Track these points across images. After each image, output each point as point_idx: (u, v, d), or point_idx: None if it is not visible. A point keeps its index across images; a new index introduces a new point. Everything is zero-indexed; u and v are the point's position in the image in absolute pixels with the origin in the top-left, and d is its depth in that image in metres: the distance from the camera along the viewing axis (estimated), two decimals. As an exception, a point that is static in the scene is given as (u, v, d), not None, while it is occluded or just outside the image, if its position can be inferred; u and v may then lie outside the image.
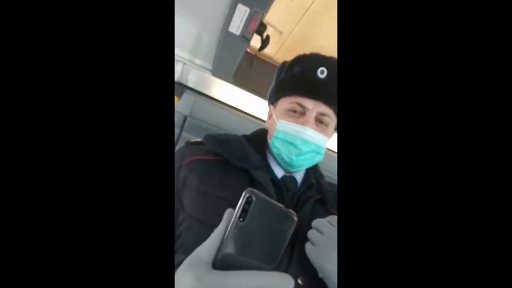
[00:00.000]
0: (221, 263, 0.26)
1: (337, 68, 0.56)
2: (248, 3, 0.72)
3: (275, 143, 0.57)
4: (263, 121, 1.19)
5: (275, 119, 0.59)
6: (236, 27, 0.78)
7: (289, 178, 0.58)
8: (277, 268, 0.28)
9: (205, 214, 0.46)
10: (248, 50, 1.07)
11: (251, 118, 1.21)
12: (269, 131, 0.62)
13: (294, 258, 0.45)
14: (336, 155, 1.34)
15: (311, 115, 0.55)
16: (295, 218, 0.29)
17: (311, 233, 0.45)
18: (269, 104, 0.66)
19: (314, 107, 0.55)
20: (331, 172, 1.45)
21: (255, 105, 1.17)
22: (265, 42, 0.94)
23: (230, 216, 0.27)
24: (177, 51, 1.03)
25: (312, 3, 0.85)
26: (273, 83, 0.63)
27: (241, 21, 0.77)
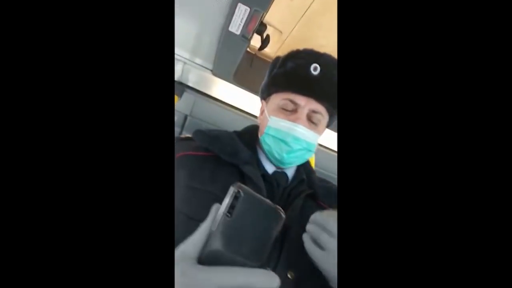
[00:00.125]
0: (206, 259, 0.26)
1: (332, 65, 0.56)
2: (248, 2, 0.72)
3: (266, 140, 0.57)
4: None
5: (267, 115, 0.58)
6: (236, 26, 0.79)
7: (280, 174, 0.57)
8: (263, 265, 0.28)
9: (194, 210, 0.46)
10: (248, 49, 1.07)
11: (251, 117, 1.22)
12: (260, 127, 0.61)
13: (283, 253, 0.44)
14: (336, 154, 1.35)
15: (303, 112, 0.54)
16: (283, 215, 0.29)
17: (322, 236, 0.40)
18: (261, 99, 0.65)
19: (306, 104, 0.54)
20: (331, 171, 1.46)
21: (255, 105, 1.17)
22: (265, 41, 0.94)
23: (217, 211, 0.27)
24: (177, 50, 1.03)
25: (312, 3, 0.85)
26: (265, 78, 0.63)
27: (241, 20, 0.77)
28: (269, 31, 0.96)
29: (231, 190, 0.27)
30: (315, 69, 0.55)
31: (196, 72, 1.10)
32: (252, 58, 1.12)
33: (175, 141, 0.59)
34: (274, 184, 0.54)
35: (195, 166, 0.51)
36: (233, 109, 1.19)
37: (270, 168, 0.58)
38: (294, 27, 0.93)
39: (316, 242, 0.41)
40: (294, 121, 0.54)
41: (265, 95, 0.62)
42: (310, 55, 0.57)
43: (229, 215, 0.26)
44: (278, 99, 0.57)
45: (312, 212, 0.45)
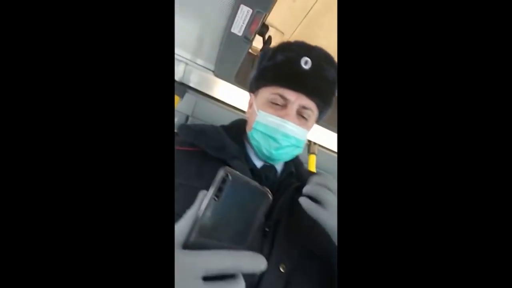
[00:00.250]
0: (193, 244, 0.26)
1: (323, 59, 0.55)
2: (250, 4, 0.72)
3: (255, 136, 0.55)
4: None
5: (256, 110, 0.56)
6: (238, 28, 0.79)
7: (269, 168, 0.57)
8: (249, 247, 0.28)
9: (180, 206, 0.45)
10: (250, 51, 1.07)
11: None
12: (249, 122, 0.60)
13: (275, 246, 0.44)
14: (336, 155, 1.34)
15: (293, 108, 0.53)
16: (270, 196, 0.29)
17: (321, 193, 0.42)
18: (249, 92, 0.63)
19: (296, 99, 0.53)
20: (331, 172, 1.45)
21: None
22: (267, 43, 0.94)
23: (203, 197, 0.27)
24: (179, 51, 1.03)
25: (314, 4, 0.85)
26: (254, 70, 0.61)
27: (243, 22, 0.77)
28: (271, 32, 0.96)
29: (219, 174, 0.27)
30: (306, 63, 0.53)
31: (198, 73, 1.10)
32: (254, 59, 1.12)
33: None
34: (263, 178, 0.54)
35: (180, 162, 0.50)
36: (234, 110, 1.20)
37: (258, 163, 0.57)
38: (296, 28, 0.93)
39: (316, 200, 0.42)
40: (283, 117, 0.53)
41: (253, 88, 0.61)
42: (301, 48, 0.55)
43: (217, 198, 0.26)
44: (267, 93, 0.56)
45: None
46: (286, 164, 0.61)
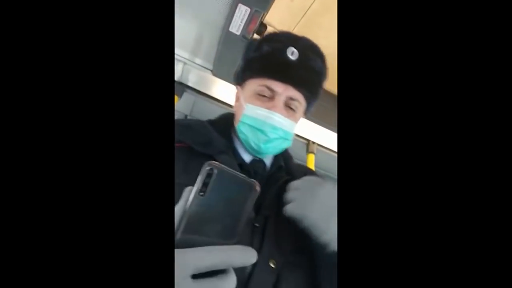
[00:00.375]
0: (181, 242, 0.25)
1: (310, 49, 0.54)
2: (248, 3, 0.72)
3: (242, 129, 0.54)
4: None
5: (243, 102, 0.55)
6: (236, 27, 0.79)
7: (257, 162, 0.56)
8: (238, 241, 0.27)
9: None
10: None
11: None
12: (236, 115, 0.59)
13: (265, 242, 0.44)
14: (334, 154, 1.35)
15: (280, 100, 0.52)
16: (258, 188, 0.28)
17: (288, 195, 0.45)
18: (235, 84, 0.62)
19: (283, 91, 0.52)
20: (331, 172, 1.46)
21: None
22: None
23: (189, 193, 0.26)
24: (177, 50, 1.03)
25: (312, 3, 0.85)
26: (240, 62, 0.60)
27: (241, 21, 0.77)
28: (269, 31, 0.96)
29: (204, 168, 0.26)
30: (292, 53, 0.52)
31: (196, 72, 1.10)
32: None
33: None
34: (252, 173, 0.53)
35: None
36: (233, 109, 1.19)
37: (247, 157, 0.56)
38: (294, 27, 0.93)
39: (289, 201, 0.45)
40: (270, 108, 0.52)
41: (240, 81, 0.59)
42: (287, 39, 0.54)
43: (203, 194, 0.25)
44: (254, 85, 0.54)
45: None
46: (275, 158, 0.60)
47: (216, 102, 1.18)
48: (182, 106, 1.21)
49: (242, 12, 0.75)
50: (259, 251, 0.42)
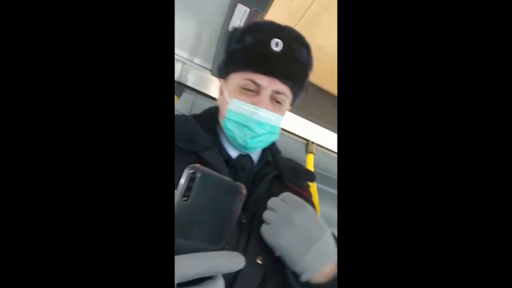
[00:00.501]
0: None
1: (294, 39, 0.53)
2: (248, 3, 0.72)
3: (228, 125, 0.53)
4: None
5: (227, 98, 0.54)
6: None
7: (244, 157, 0.55)
8: (225, 246, 0.27)
9: None
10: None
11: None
12: (221, 110, 0.57)
13: (252, 238, 0.44)
14: (333, 154, 1.35)
15: (266, 94, 0.51)
16: (244, 191, 0.28)
17: (265, 214, 0.43)
18: (218, 77, 0.60)
19: (268, 84, 0.51)
20: (330, 171, 1.46)
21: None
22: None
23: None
24: (176, 50, 1.03)
25: (312, 3, 0.85)
26: (222, 54, 0.57)
27: (240, 21, 0.77)
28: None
29: (186, 172, 0.25)
30: (276, 44, 0.50)
31: (195, 72, 1.10)
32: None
33: None
34: (239, 169, 0.52)
35: None
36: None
37: (233, 153, 0.55)
38: (294, 27, 0.93)
39: (264, 221, 0.44)
40: (256, 104, 0.50)
41: (223, 74, 0.57)
42: (270, 29, 0.52)
43: (186, 199, 0.25)
44: (238, 79, 0.52)
45: (279, 194, 0.46)
46: (263, 153, 0.59)
47: (215, 102, 1.18)
48: (181, 105, 1.21)
49: (241, 12, 0.75)
50: (246, 248, 0.43)
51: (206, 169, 0.26)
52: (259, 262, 0.43)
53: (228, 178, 0.27)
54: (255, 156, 0.57)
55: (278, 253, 0.42)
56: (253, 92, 0.52)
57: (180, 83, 1.12)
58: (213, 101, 1.18)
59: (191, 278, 0.24)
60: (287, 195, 0.45)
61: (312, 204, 0.58)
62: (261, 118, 0.50)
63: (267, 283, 0.42)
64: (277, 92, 0.52)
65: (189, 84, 1.14)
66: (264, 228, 0.42)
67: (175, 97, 1.10)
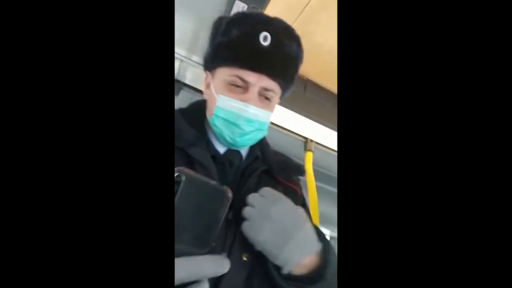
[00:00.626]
0: None
1: (283, 32, 0.51)
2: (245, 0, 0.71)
3: (216, 122, 0.51)
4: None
5: (214, 93, 0.52)
6: (233, 24, 0.78)
7: (233, 152, 0.54)
8: (212, 250, 0.27)
9: None
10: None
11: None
12: (208, 106, 0.55)
13: (238, 235, 0.43)
14: (332, 152, 1.35)
15: (254, 91, 0.49)
16: (230, 195, 0.28)
17: (245, 210, 0.43)
18: (204, 70, 0.58)
19: (257, 81, 0.49)
20: (329, 169, 1.46)
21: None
22: (262, 39, 0.93)
23: None
24: (175, 48, 1.03)
25: (310, 0, 0.85)
26: (208, 46, 0.55)
27: (238, 18, 0.76)
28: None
29: None
30: (264, 38, 0.48)
31: (193, 69, 1.09)
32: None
33: None
34: (227, 165, 0.51)
35: None
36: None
37: (221, 148, 0.53)
38: (292, 24, 0.92)
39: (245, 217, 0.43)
40: (245, 101, 0.49)
41: (209, 67, 0.55)
42: (257, 22, 0.50)
43: None
44: (225, 74, 0.50)
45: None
46: (252, 147, 0.57)
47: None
48: (179, 103, 1.20)
49: (239, 8, 0.74)
50: (232, 244, 0.42)
51: (191, 172, 0.26)
52: (245, 259, 0.43)
53: (214, 182, 0.27)
54: (243, 151, 0.56)
55: (258, 248, 0.42)
56: (240, 88, 0.50)
57: (178, 81, 1.12)
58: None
59: (177, 283, 0.24)
60: (266, 190, 0.44)
61: (300, 198, 0.58)
62: (250, 115, 0.49)
63: (252, 279, 0.43)
64: (266, 89, 0.51)
65: (187, 82, 1.13)
66: (244, 225, 0.42)
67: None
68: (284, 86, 0.54)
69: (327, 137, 1.29)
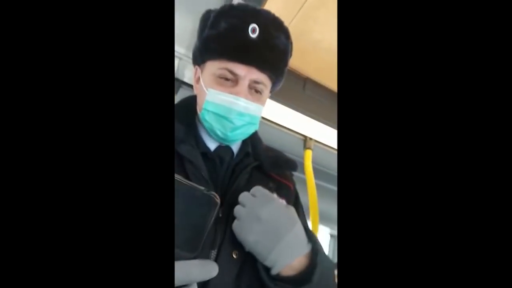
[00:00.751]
0: None
1: (271, 24, 0.51)
2: (244, -3, 0.71)
3: (206, 117, 0.50)
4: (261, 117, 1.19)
5: (204, 87, 0.51)
6: (232, 21, 0.78)
7: (224, 149, 0.53)
8: (200, 254, 0.27)
9: None
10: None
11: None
12: (198, 101, 0.55)
13: (228, 232, 0.43)
14: (331, 150, 1.35)
15: (244, 84, 0.49)
16: (217, 200, 0.28)
17: (236, 209, 0.43)
18: (194, 64, 0.58)
19: (247, 74, 0.49)
20: (329, 168, 1.46)
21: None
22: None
23: None
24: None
25: (308, -3, 0.84)
26: (196, 40, 0.55)
27: (237, 15, 0.76)
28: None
29: None
30: (253, 31, 0.48)
31: (192, 68, 1.09)
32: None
33: None
34: (217, 162, 0.51)
35: None
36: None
37: (212, 145, 0.53)
38: (291, 22, 0.92)
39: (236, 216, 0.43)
40: (235, 94, 0.48)
41: (198, 61, 0.55)
42: (245, 14, 0.49)
43: None
44: (214, 68, 0.50)
45: (259, 185, 0.45)
46: (243, 143, 0.57)
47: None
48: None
49: (238, 6, 0.74)
50: (222, 242, 0.42)
51: (179, 178, 0.26)
52: (234, 256, 0.43)
53: (202, 188, 0.27)
54: (235, 147, 0.55)
55: (247, 249, 0.42)
56: (230, 81, 0.50)
57: (177, 79, 1.12)
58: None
59: None
60: (257, 189, 0.44)
61: (293, 193, 0.57)
62: (241, 108, 0.49)
63: (242, 277, 0.43)
64: (256, 82, 0.50)
65: (186, 80, 1.13)
66: (234, 224, 0.42)
67: (172, 93, 1.10)
68: (274, 79, 0.54)
69: (327, 135, 1.29)
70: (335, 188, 1.60)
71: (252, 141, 0.58)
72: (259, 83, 0.50)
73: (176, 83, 1.11)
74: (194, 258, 0.27)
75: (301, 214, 0.55)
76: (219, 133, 0.50)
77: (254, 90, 0.51)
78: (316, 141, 1.31)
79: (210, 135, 0.53)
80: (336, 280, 0.45)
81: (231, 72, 0.49)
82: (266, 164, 0.54)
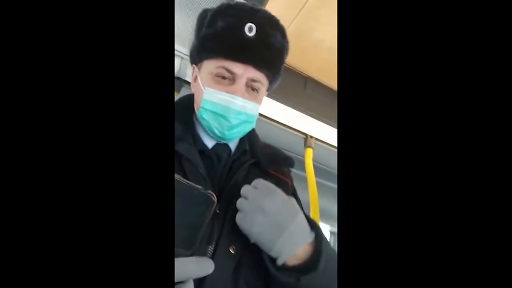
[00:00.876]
0: None
1: (268, 23, 0.51)
2: (246, -3, 0.72)
3: (204, 115, 0.51)
4: (263, 115, 1.19)
5: (201, 86, 0.52)
6: (234, 21, 0.78)
7: (221, 146, 0.54)
8: (197, 249, 0.27)
9: None
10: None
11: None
12: (196, 99, 0.55)
13: (225, 228, 0.44)
14: (332, 148, 1.35)
15: (241, 82, 0.49)
16: (214, 199, 0.28)
17: (238, 202, 0.43)
18: (191, 63, 0.58)
19: (244, 72, 0.49)
20: (329, 165, 1.46)
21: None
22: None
23: None
24: (175, 45, 1.03)
25: (310, -3, 0.85)
26: (193, 39, 0.55)
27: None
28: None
29: None
30: (250, 29, 0.48)
31: (194, 67, 1.09)
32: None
33: None
34: (215, 159, 0.51)
35: None
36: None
37: (209, 142, 0.53)
38: (292, 21, 0.93)
39: (238, 209, 0.43)
40: (232, 93, 0.49)
41: (196, 60, 0.55)
42: (242, 13, 0.49)
43: None
44: (211, 66, 0.50)
45: None
46: (240, 141, 0.57)
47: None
48: (180, 101, 1.20)
49: (240, 6, 0.74)
50: (219, 237, 0.43)
51: (177, 177, 0.26)
52: (232, 251, 0.43)
53: (199, 186, 0.28)
54: (232, 145, 0.56)
55: (252, 240, 0.42)
56: (227, 80, 0.50)
57: (179, 79, 1.12)
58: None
59: None
60: (259, 182, 0.45)
61: (291, 189, 0.58)
62: (238, 107, 0.49)
63: (239, 271, 0.43)
64: (253, 80, 0.50)
65: (187, 79, 1.13)
66: (238, 217, 0.42)
67: (175, 92, 1.10)
68: (271, 78, 0.54)
69: (327, 133, 1.29)
70: (335, 186, 1.61)
71: (250, 138, 0.59)
72: (256, 81, 0.51)
73: (178, 82, 1.11)
74: (191, 255, 0.28)
75: (300, 207, 0.55)
76: (216, 131, 0.51)
77: (251, 88, 0.51)
78: (316, 139, 1.31)
79: (207, 133, 0.53)
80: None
81: (228, 70, 0.49)
82: (263, 161, 0.55)
